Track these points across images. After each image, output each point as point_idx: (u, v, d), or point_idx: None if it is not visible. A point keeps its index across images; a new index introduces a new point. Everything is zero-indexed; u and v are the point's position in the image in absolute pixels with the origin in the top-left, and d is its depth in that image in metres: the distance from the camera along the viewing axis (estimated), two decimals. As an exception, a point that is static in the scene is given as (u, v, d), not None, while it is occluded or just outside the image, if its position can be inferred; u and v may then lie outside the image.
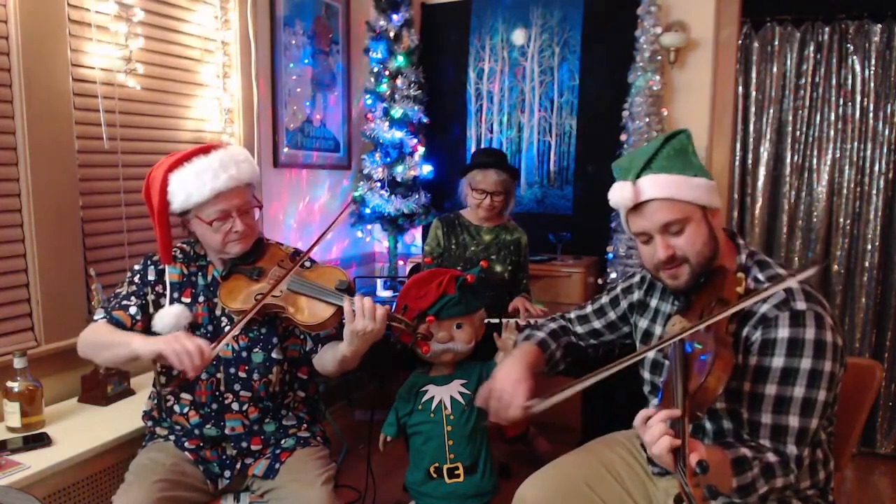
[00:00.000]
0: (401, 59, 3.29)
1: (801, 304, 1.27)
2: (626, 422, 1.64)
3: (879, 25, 3.09)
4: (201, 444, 1.69)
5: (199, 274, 1.73)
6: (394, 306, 1.66)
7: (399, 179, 3.31)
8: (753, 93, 3.31)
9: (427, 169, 3.45)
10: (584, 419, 2.91)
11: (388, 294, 3.12)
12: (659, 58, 3.04)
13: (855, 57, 3.15)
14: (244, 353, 1.67)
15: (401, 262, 3.57)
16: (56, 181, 2.05)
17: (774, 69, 3.26)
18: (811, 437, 1.26)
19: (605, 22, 3.29)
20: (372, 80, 3.34)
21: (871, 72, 3.12)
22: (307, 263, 1.76)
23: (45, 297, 2.03)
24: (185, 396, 1.69)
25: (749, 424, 1.29)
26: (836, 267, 3.27)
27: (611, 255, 3.12)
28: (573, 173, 3.42)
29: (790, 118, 3.28)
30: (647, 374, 1.55)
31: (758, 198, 3.36)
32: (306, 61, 3.18)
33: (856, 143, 3.19)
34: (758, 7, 3.23)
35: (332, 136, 3.43)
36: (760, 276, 1.36)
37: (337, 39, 3.40)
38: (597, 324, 1.70)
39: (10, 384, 1.80)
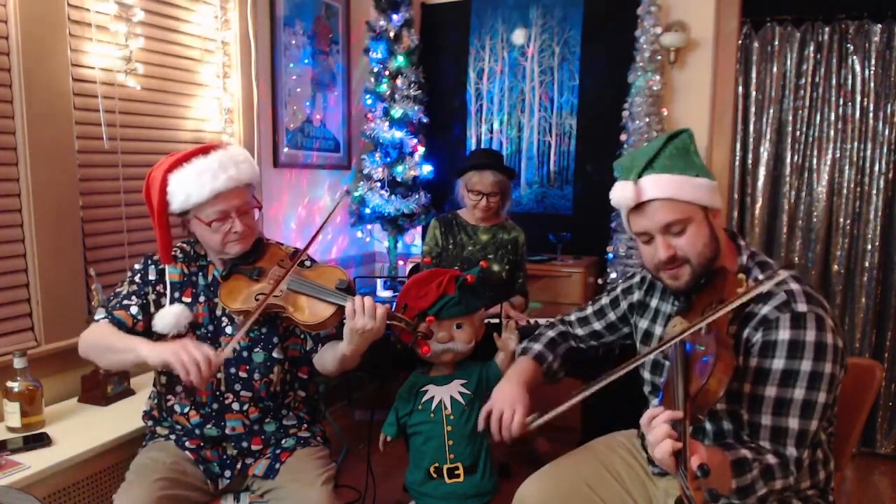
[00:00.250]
0: (401, 59, 3.29)
1: (802, 306, 1.27)
2: (626, 422, 1.65)
3: (879, 25, 3.09)
4: (202, 444, 1.69)
5: (200, 274, 1.73)
6: (394, 306, 1.66)
7: (399, 179, 3.31)
8: (753, 93, 3.31)
9: (427, 169, 3.45)
10: (584, 419, 2.91)
11: (388, 294, 3.12)
12: (659, 58, 3.04)
13: (855, 57, 3.15)
14: (245, 353, 1.67)
15: (401, 262, 3.57)
16: (56, 181, 2.05)
17: (774, 69, 3.26)
18: (811, 439, 1.26)
19: (605, 22, 3.29)
20: (372, 80, 3.34)
21: (871, 72, 3.12)
22: (307, 263, 1.76)
23: (45, 297, 2.03)
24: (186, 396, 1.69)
25: (749, 426, 1.29)
26: (836, 267, 3.27)
27: (611, 255, 3.12)
28: (573, 173, 3.42)
29: (790, 118, 3.28)
30: (647, 375, 1.55)
31: (758, 198, 3.36)
32: (306, 61, 3.18)
33: (856, 143, 3.19)
34: (758, 7, 3.23)
35: (332, 136, 3.43)
36: (761, 278, 1.36)
37: (337, 39, 3.40)
38: (597, 325, 1.70)
39: (10, 384, 1.80)
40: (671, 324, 1.37)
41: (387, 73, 3.30)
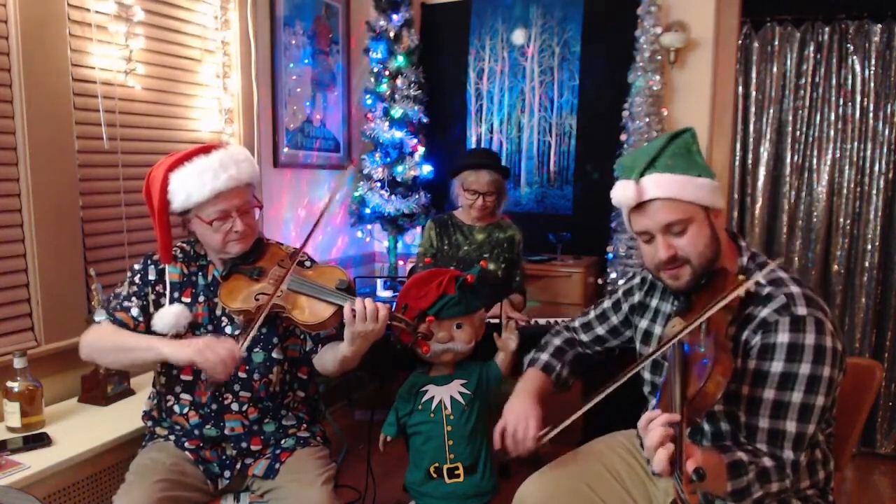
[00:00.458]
0: (401, 59, 3.28)
1: (801, 310, 1.26)
2: (626, 422, 1.65)
3: (879, 25, 3.09)
4: (201, 445, 1.69)
5: (200, 273, 1.73)
6: (394, 306, 1.66)
7: (399, 179, 3.31)
8: (753, 93, 3.31)
9: (427, 169, 3.45)
10: (585, 419, 2.89)
11: (388, 294, 3.12)
12: (659, 58, 3.04)
13: (855, 57, 3.15)
14: (245, 353, 1.67)
15: (401, 262, 3.57)
16: (56, 181, 2.05)
17: (774, 69, 3.26)
18: (808, 442, 1.26)
19: (605, 22, 3.29)
20: (372, 80, 3.34)
21: (871, 72, 3.12)
22: (307, 263, 1.76)
23: (45, 297, 2.03)
24: (185, 397, 1.68)
25: (746, 428, 1.29)
26: (836, 267, 3.27)
27: (611, 255, 3.12)
28: (573, 173, 3.42)
29: (790, 118, 3.28)
30: (647, 375, 1.55)
31: (758, 198, 3.36)
32: (306, 61, 3.18)
33: (856, 143, 3.19)
34: (758, 7, 3.23)
35: (332, 136, 3.43)
36: (762, 280, 1.35)
37: (337, 39, 3.40)
38: (600, 329, 1.70)
39: (10, 384, 1.80)
40: (670, 324, 1.37)
41: (387, 73, 3.30)
